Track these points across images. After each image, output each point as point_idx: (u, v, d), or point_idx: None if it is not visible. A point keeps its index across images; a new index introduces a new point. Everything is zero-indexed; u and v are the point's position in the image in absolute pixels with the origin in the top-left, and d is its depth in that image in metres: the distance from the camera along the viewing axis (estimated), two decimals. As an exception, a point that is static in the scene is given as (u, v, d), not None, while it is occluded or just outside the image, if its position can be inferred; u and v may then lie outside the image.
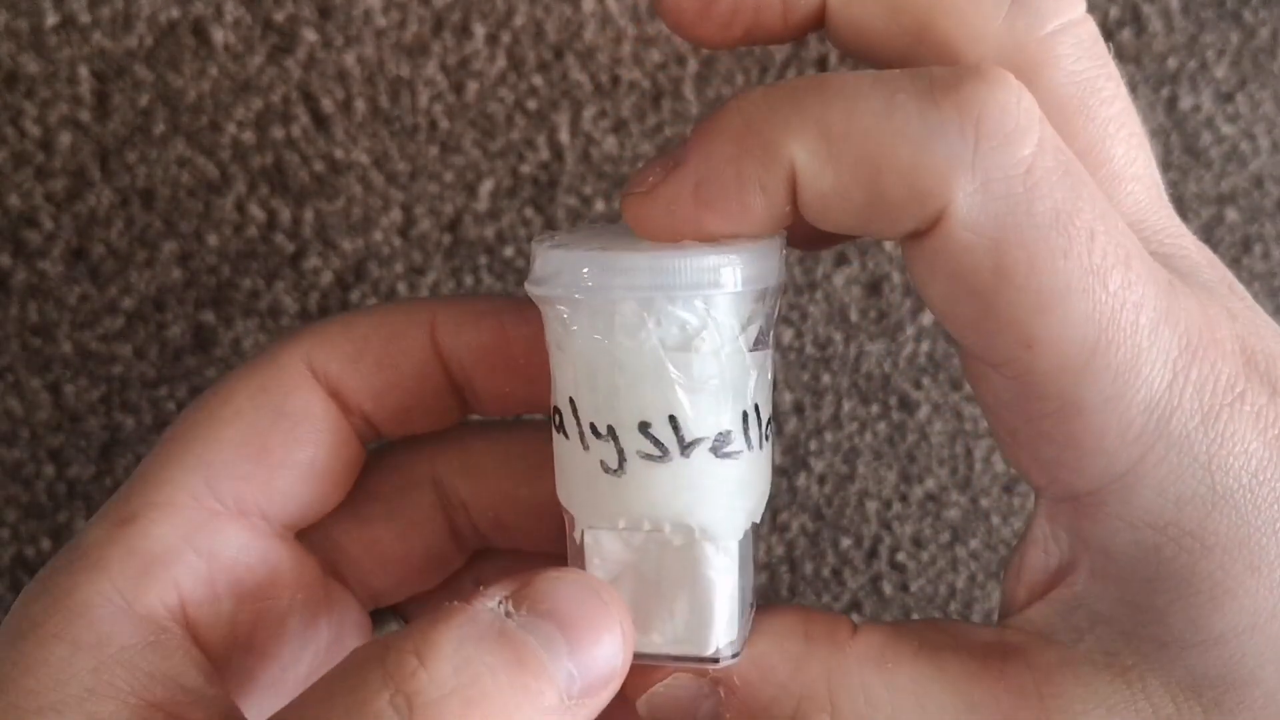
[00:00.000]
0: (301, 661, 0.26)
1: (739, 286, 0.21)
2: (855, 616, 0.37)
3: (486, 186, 0.35)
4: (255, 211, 0.35)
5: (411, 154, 0.35)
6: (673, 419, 0.21)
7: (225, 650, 0.24)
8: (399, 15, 0.34)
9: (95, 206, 0.34)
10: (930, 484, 0.37)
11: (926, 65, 0.21)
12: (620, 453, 0.22)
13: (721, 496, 0.22)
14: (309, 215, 0.35)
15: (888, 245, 0.36)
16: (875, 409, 0.37)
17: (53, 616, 0.22)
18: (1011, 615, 0.23)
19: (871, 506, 0.38)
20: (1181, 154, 0.36)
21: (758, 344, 0.22)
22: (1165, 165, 0.36)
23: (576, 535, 0.23)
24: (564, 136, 0.35)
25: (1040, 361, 0.20)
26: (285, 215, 0.35)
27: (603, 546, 0.22)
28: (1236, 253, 0.36)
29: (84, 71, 0.34)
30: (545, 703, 0.20)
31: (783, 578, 0.37)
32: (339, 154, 0.35)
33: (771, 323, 0.22)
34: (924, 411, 0.37)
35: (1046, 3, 0.22)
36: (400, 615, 0.29)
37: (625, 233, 0.22)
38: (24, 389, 0.35)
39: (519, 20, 0.34)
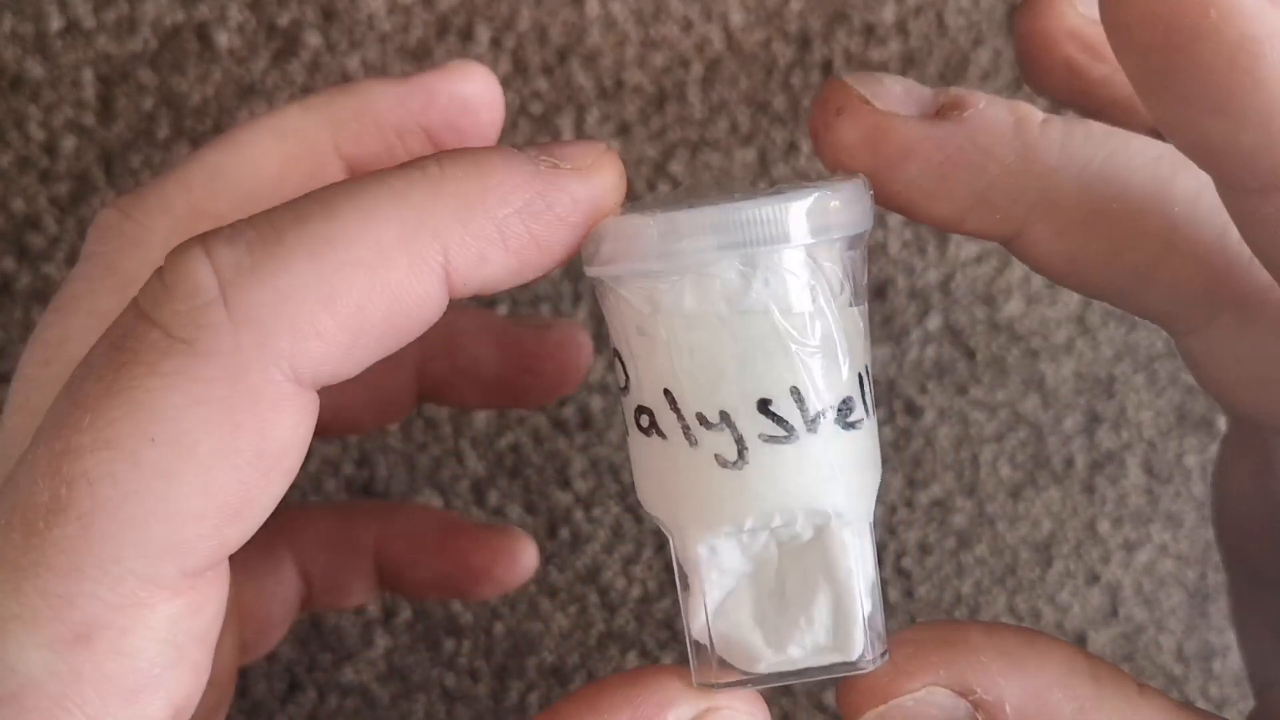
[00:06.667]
0: None
1: (846, 231, 0.19)
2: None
3: (490, 190, 0.35)
4: (259, 215, 0.35)
5: (415, 158, 0.35)
6: (795, 391, 0.19)
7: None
8: (403, 19, 0.34)
9: (99, 210, 0.34)
10: (936, 489, 0.37)
11: (1153, 309, 0.21)
12: (739, 440, 0.19)
13: (853, 473, 0.20)
14: (312, 219, 0.35)
15: (893, 249, 0.36)
16: (880, 414, 0.37)
17: None
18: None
19: (876, 512, 0.37)
20: (1188, 158, 0.36)
21: (857, 296, 0.20)
22: (1172, 169, 0.36)
23: (683, 551, 0.20)
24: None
25: None
26: (289, 219, 0.35)
27: (720, 558, 0.19)
28: (1244, 257, 0.36)
29: (88, 75, 0.34)
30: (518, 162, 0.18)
31: (787, 583, 0.37)
32: (343, 158, 0.35)
33: (865, 272, 0.20)
34: (929, 417, 0.37)
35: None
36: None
37: (688, 196, 0.20)
38: (27, 393, 0.35)
39: (523, 24, 0.34)
